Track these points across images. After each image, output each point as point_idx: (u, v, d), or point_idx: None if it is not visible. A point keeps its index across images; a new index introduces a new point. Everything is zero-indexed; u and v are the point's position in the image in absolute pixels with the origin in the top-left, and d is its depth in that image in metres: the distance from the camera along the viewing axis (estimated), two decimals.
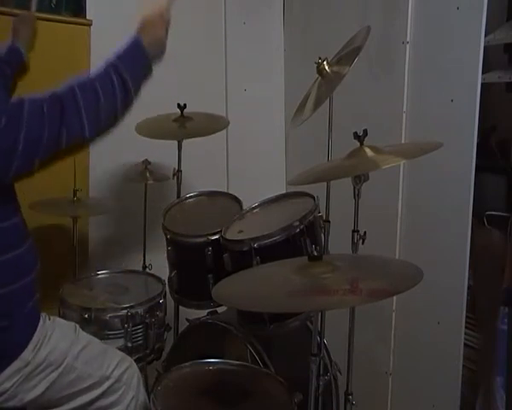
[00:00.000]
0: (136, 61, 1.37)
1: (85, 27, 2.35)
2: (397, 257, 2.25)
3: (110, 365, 1.60)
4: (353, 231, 1.62)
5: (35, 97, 1.28)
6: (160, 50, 1.43)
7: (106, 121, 1.33)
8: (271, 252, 1.69)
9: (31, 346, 1.47)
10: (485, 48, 1.93)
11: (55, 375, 1.50)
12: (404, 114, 2.21)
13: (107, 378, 1.58)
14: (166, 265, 2.05)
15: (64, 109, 1.28)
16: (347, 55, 1.76)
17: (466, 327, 2.06)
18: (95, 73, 1.32)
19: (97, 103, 1.31)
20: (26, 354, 1.46)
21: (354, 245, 1.62)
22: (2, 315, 1.42)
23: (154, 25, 1.42)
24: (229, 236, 1.83)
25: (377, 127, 1.74)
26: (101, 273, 2.19)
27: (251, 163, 2.81)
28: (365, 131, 1.53)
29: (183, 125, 2.24)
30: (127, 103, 1.35)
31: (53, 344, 1.51)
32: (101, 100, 1.31)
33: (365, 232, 1.61)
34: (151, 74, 1.38)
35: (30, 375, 1.47)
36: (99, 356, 1.59)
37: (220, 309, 2.02)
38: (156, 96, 2.43)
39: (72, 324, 1.63)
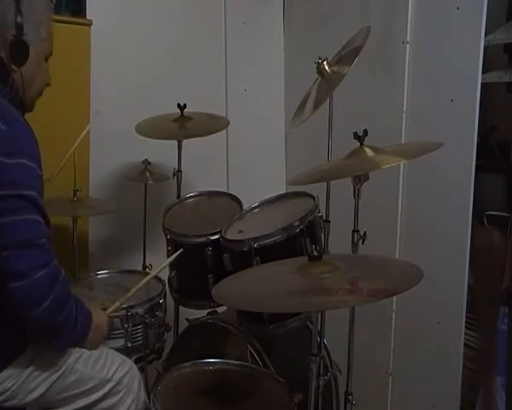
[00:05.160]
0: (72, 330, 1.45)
1: (85, 27, 2.35)
2: (397, 257, 2.25)
3: (111, 367, 1.60)
4: (353, 231, 1.62)
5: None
6: (94, 345, 1.58)
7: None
8: (271, 252, 1.69)
9: (32, 347, 1.48)
10: (485, 48, 1.92)
11: (55, 376, 1.50)
12: (404, 114, 2.21)
13: (108, 381, 1.58)
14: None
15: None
16: (347, 55, 1.76)
17: (466, 327, 2.05)
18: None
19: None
20: (29, 353, 1.47)
21: (354, 245, 1.62)
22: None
23: (100, 334, 1.58)
24: (229, 236, 1.83)
25: (377, 127, 1.73)
26: (101, 273, 2.19)
27: (251, 163, 2.81)
28: (365, 131, 1.53)
29: (183, 125, 2.24)
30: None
31: None
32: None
33: (365, 232, 1.61)
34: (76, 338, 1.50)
35: (31, 376, 1.47)
36: (100, 359, 1.59)
37: (220, 309, 2.02)
38: (156, 96, 2.46)
39: None
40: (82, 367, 1.54)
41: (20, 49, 1.43)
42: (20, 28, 1.41)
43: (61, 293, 1.37)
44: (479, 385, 2.02)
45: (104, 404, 1.58)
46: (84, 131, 1.96)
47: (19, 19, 1.40)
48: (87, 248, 2.48)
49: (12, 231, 1.30)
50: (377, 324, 2.33)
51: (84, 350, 1.56)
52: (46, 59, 1.54)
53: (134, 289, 1.76)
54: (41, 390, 1.49)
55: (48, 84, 1.57)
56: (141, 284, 1.77)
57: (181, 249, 1.90)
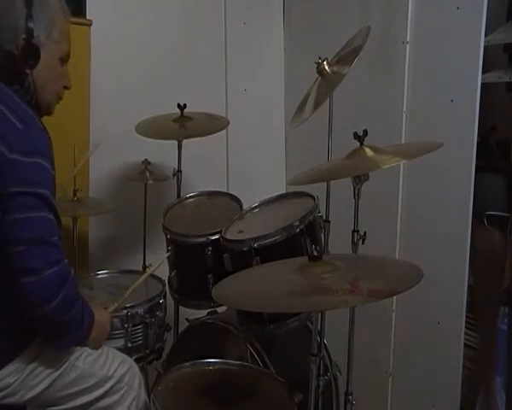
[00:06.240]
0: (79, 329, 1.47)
1: (85, 27, 2.35)
2: (397, 257, 2.25)
3: (112, 365, 1.60)
4: (353, 231, 1.62)
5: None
6: (97, 344, 1.60)
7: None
8: (271, 252, 1.69)
9: (36, 343, 1.48)
10: (485, 48, 1.92)
11: (56, 373, 1.51)
12: (404, 114, 2.21)
13: (109, 379, 1.58)
14: (166, 265, 2.05)
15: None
16: (347, 55, 1.76)
17: (466, 327, 2.06)
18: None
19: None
20: (32, 350, 1.47)
21: (354, 245, 1.62)
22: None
23: (103, 333, 1.61)
24: (229, 236, 1.83)
25: (377, 127, 1.73)
26: (101, 273, 2.19)
27: (251, 163, 2.81)
28: (365, 131, 1.53)
29: (183, 125, 2.24)
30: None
31: None
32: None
33: (365, 232, 1.61)
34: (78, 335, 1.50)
35: (33, 372, 1.48)
36: (101, 356, 1.59)
37: (220, 309, 2.02)
38: (156, 96, 2.46)
39: None
40: (83, 364, 1.55)
41: (30, 53, 1.44)
42: (30, 32, 1.43)
43: (71, 292, 1.39)
44: (479, 385, 2.02)
45: (105, 402, 1.59)
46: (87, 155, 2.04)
47: (29, 23, 1.42)
48: (87, 249, 2.48)
49: (24, 227, 1.32)
50: (377, 324, 2.33)
51: (85, 348, 1.56)
52: (62, 62, 1.54)
53: (131, 289, 1.78)
54: (42, 387, 1.50)
55: (66, 87, 1.58)
56: (138, 283, 1.79)
57: (169, 247, 1.92)
